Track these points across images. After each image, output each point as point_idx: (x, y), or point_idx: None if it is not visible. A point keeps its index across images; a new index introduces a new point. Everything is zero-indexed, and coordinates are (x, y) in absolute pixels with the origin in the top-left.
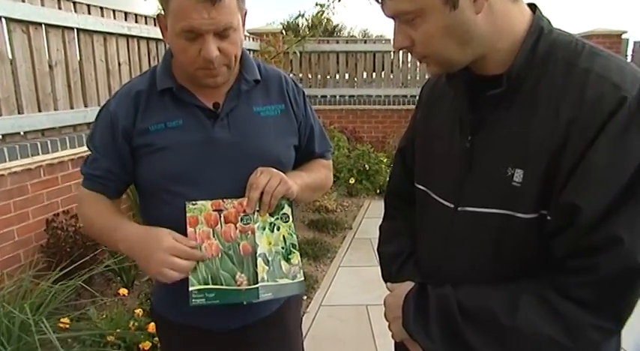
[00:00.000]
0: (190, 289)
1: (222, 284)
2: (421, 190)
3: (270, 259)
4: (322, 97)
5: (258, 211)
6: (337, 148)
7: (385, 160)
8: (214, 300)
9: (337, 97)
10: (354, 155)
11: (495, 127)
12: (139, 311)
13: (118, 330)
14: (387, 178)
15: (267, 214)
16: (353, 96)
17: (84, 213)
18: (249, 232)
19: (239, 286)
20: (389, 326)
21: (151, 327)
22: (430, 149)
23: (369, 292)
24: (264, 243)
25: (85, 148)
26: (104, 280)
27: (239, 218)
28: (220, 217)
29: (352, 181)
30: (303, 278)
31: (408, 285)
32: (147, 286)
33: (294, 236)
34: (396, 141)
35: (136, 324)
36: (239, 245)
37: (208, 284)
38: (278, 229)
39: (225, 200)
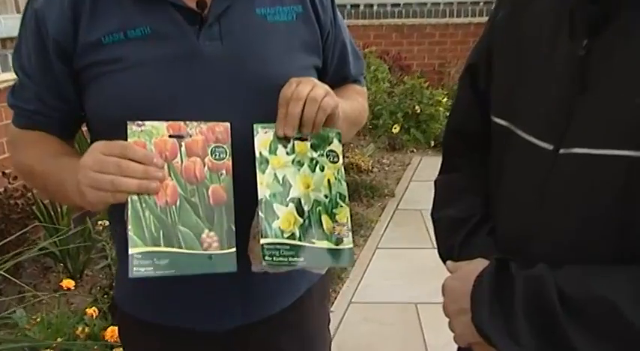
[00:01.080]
0: (131, 251)
1: (180, 246)
2: (501, 127)
3: (306, 208)
4: (353, 6)
5: (296, 139)
6: (374, 81)
7: (444, 100)
8: (167, 269)
9: (375, 6)
10: (399, 92)
11: (628, 28)
12: (91, 311)
13: (60, 339)
14: (448, 117)
15: (309, 146)
16: (397, 5)
17: (18, 161)
18: (224, 172)
19: (206, 249)
20: (449, 324)
21: (111, 333)
22: (517, 63)
23: (419, 284)
24: (299, 184)
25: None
26: (38, 269)
27: (209, 150)
28: (181, 146)
29: (396, 129)
30: (352, 245)
31: (480, 263)
32: (103, 275)
33: (344, 185)
34: (459, 71)
35: (88, 330)
36: (207, 190)
37: (159, 245)
38: (322, 169)
39: (188, 123)
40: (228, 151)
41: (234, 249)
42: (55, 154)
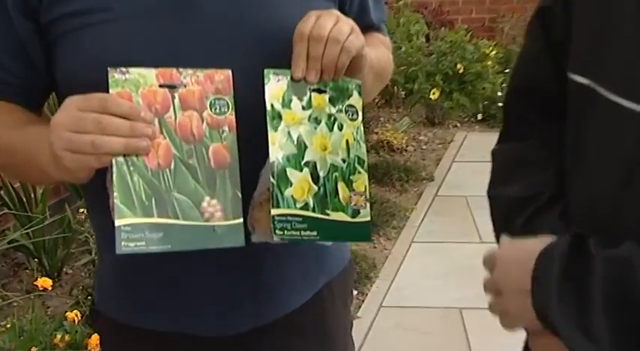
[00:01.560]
0: (117, 223)
1: (176, 217)
2: (580, 86)
3: (321, 174)
4: None
5: (313, 90)
6: (407, 38)
7: (492, 53)
8: (162, 244)
9: None
10: (437, 49)
11: None
12: (72, 316)
13: (35, 349)
14: (512, 73)
15: (327, 99)
16: None
17: None
18: (226, 129)
19: (207, 220)
20: (493, 304)
21: (95, 341)
22: (605, 9)
23: (464, 285)
24: (316, 145)
25: None
26: (8, 265)
27: (207, 102)
28: (174, 98)
29: (434, 94)
30: (369, 218)
31: (546, 239)
32: (86, 273)
33: (363, 147)
34: (515, 28)
35: (68, 338)
36: (207, 150)
37: (151, 216)
38: (340, 128)
39: (182, 70)
40: (230, 103)
41: (240, 220)
42: (20, 124)
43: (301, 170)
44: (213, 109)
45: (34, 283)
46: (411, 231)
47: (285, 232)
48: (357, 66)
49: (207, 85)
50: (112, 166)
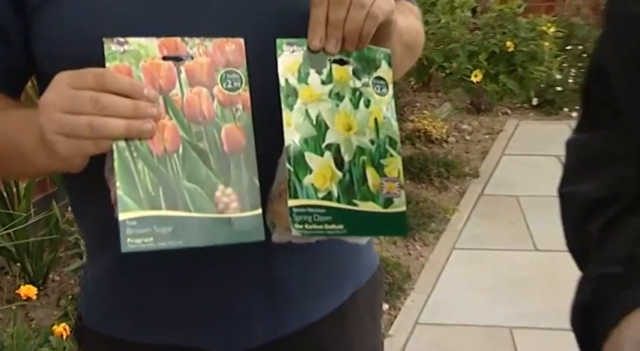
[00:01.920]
0: (122, 217)
1: (187, 208)
2: None
3: (346, 158)
4: None
5: (334, 62)
6: (450, 9)
7: (551, 30)
8: (173, 240)
9: None
10: (483, 23)
11: None
12: (60, 329)
13: None
14: (593, 50)
15: (350, 72)
16: None
17: None
18: (240, 106)
19: (222, 211)
20: None
21: None
22: None
23: (514, 300)
24: (338, 125)
25: None
26: None
27: (218, 76)
28: (179, 73)
29: (477, 77)
30: (404, 208)
31: None
32: (76, 281)
33: (395, 126)
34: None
35: None
36: (219, 132)
37: (159, 208)
38: (367, 104)
39: (188, 39)
40: (244, 77)
41: (259, 210)
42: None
43: (322, 154)
44: (224, 84)
45: (16, 291)
46: (451, 236)
47: (306, 225)
48: (384, 34)
49: (217, 56)
50: (112, 152)
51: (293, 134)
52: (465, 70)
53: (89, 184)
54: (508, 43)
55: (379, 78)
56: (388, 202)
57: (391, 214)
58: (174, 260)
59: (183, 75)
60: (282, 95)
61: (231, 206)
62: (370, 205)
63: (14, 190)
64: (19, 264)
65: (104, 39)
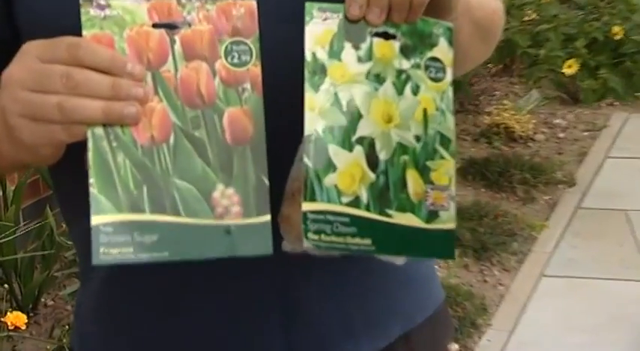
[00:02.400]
0: (94, 221)
1: (177, 212)
2: None
3: (382, 156)
4: None
5: (376, 35)
6: None
7: None
8: (157, 251)
9: None
10: (585, 2)
11: None
12: None
13: None
14: None
15: (397, 49)
16: None
17: None
18: (248, 86)
19: (221, 217)
20: None
21: None
22: None
23: (626, 342)
24: (375, 114)
25: None
26: None
27: (221, 48)
28: (174, 43)
29: (571, 68)
30: (453, 225)
31: None
32: (73, 307)
33: (450, 120)
34: None
35: None
36: (221, 117)
37: (141, 211)
38: (415, 90)
39: (185, 1)
40: (254, 49)
41: (267, 217)
42: None
43: (351, 149)
44: (229, 58)
45: (2, 319)
46: (540, 259)
47: (323, 236)
48: (445, 4)
49: (222, 22)
50: (87, 141)
51: (316, 121)
52: (556, 59)
53: (77, 185)
54: (616, 29)
55: (434, 59)
56: (432, 215)
57: (435, 231)
58: (171, 275)
59: (177, 46)
60: (306, 72)
61: (232, 211)
62: (409, 217)
63: (0, 193)
64: (5, 285)
65: (81, 1)
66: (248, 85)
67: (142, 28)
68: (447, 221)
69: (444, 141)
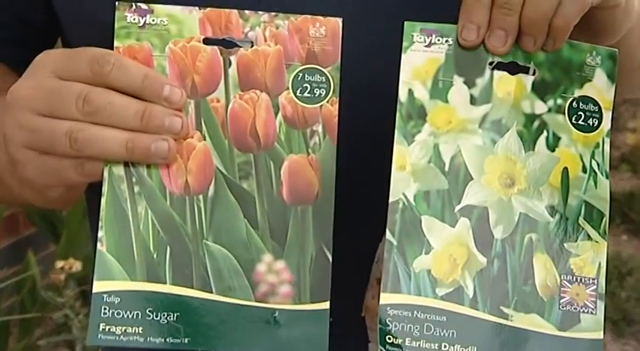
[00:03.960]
0: (96, 287)
1: (206, 287)
2: None
3: (498, 234)
4: None
5: (498, 66)
6: None
7: None
8: (175, 337)
9: None
10: None
11: None
12: None
13: None
14: None
15: (529, 86)
16: None
17: None
18: (320, 129)
19: (264, 298)
20: None
21: None
22: None
23: None
24: (490, 175)
25: None
26: None
27: (291, 76)
28: (228, 65)
29: None
30: (600, 334)
31: None
32: None
33: (605, 183)
34: None
35: None
36: (279, 166)
37: (160, 281)
38: (553, 143)
39: (250, 13)
40: (333, 82)
41: (326, 304)
42: None
43: (454, 224)
44: (299, 91)
45: None
46: None
47: (408, 341)
48: (605, 23)
49: (294, 43)
50: (103, 183)
51: (406, 184)
52: None
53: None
54: None
55: (585, 99)
56: (569, 319)
57: (573, 341)
58: None
59: (233, 70)
60: (398, 116)
61: (280, 291)
62: (533, 319)
63: None
64: None
65: (118, 3)
66: (320, 128)
67: (191, 43)
68: (591, 329)
69: (593, 215)
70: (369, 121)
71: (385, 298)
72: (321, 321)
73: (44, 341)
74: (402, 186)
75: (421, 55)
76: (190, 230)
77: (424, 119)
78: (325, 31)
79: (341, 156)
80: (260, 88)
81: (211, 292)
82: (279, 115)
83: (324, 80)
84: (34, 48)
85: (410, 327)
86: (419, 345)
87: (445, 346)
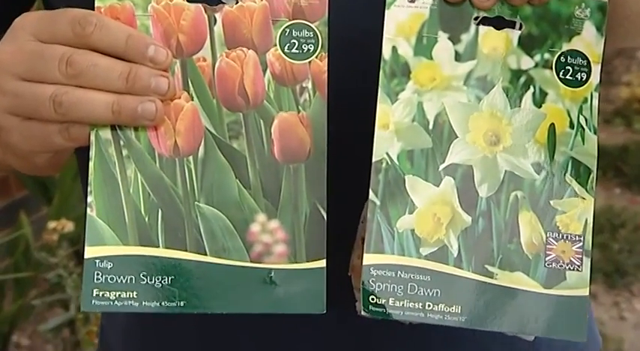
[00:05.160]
0: (88, 253)
1: (200, 249)
2: None
3: (483, 192)
4: None
5: (485, 19)
6: None
7: None
8: (170, 301)
9: None
10: None
11: None
12: None
13: None
14: None
15: (515, 40)
16: None
17: None
18: (310, 85)
19: (259, 258)
20: None
21: None
22: None
23: None
24: (475, 133)
25: None
26: None
27: (277, 33)
28: (213, 22)
29: None
30: (586, 291)
31: None
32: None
33: (592, 139)
34: None
35: None
36: (269, 124)
37: (153, 245)
38: (540, 99)
39: None
40: (321, 37)
41: (322, 262)
42: None
43: (438, 182)
44: (286, 47)
45: None
46: None
47: (391, 301)
48: None
49: (279, 0)
50: (90, 147)
51: (389, 143)
52: None
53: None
54: None
55: (573, 53)
56: (555, 276)
57: (558, 299)
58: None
59: (218, 27)
60: (381, 74)
61: (275, 251)
62: (519, 278)
63: None
64: None
65: None
66: (309, 84)
67: (173, 1)
68: (576, 286)
69: (580, 171)
70: (353, 79)
71: (368, 258)
72: (318, 279)
73: (38, 301)
74: (386, 145)
75: (405, 11)
76: (182, 192)
77: (408, 77)
78: None
79: (330, 111)
80: (247, 45)
81: (205, 255)
82: (268, 72)
83: (311, 36)
84: (12, 9)
85: (393, 287)
86: (402, 304)
87: (429, 306)
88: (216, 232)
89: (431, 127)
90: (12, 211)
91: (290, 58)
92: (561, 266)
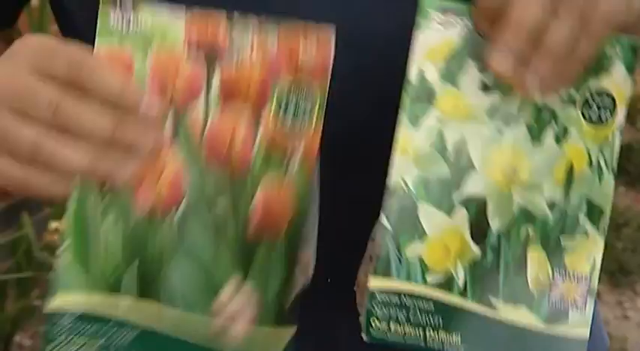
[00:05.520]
0: (55, 303)
1: (171, 301)
2: None
3: (495, 226)
4: None
5: None
6: None
7: None
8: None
9: None
10: None
11: None
12: None
13: None
14: None
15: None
16: None
17: None
18: (299, 153)
19: (220, 330)
20: None
21: None
22: None
23: None
24: (492, 166)
25: None
26: None
27: (274, 93)
28: (211, 76)
29: None
30: (586, 332)
31: None
32: None
33: (609, 181)
34: None
35: None
36: (251, 193)
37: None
38: (560, 136)
39: (236, 18)
40: (317, 103)
41: (293, 329)
42: None
43: (450, 212)
44: (281, 110)
45: None
46: None
47: (392, 325)
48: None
49: (282, 57)
50: (70, 199)
51: (407, 169)
52: None
53: None
54: None
55: (601, 92)
56: (557, 314)
57: (557, 337)
58: None
59: (215, 81)
60: (405, 97)
61: (243, 318)
62: (521, 312)
63: None
64: None
65: (101, 0)
66: (300, 150)
67: (174, 50)
68: (577, 325)
69: (593, 212)
70: (367, 80)
71: (374, 281)
72: (277, 342)
73: (41, 301)
74: (403, 170)
75: (436, 35)
76: (157, 248)
77: (432, 103)
78: (317, 42)
79: (343, 126)
80: (242, 103)
81: (174, 306)
82: (259, 133)
83: (311, 102)
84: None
85: (396, 312)
86: (403, 330)
87: (428, 332)
88: (188, 291)
89: (449, 156)
90: (14, 211)
91: (284, 121)
92: (565, 305)
